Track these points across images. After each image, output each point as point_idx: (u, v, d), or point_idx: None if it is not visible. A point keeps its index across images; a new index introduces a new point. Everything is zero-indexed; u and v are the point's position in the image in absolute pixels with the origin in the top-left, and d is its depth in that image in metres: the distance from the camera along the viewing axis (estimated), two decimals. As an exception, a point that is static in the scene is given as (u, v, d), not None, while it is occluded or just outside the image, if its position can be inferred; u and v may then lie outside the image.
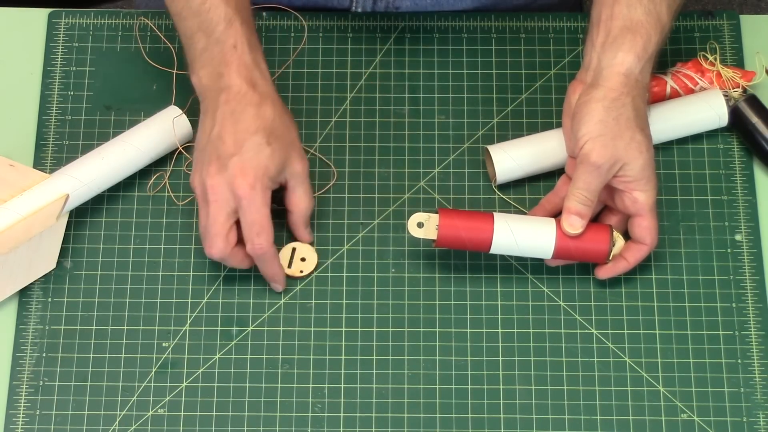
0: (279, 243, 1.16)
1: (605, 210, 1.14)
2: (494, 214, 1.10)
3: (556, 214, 1.12)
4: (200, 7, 1.10)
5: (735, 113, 1.18)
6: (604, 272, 1.12)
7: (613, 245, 1.11)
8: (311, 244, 1.15)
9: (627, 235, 1.12)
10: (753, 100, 1.18)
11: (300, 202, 1.12)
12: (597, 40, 1.09)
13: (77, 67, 1.23)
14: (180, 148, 1.18)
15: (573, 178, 1.09)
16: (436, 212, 1.10)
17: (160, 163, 1.18)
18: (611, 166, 1.07)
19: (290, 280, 1.15)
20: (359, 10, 1.26)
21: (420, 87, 1.22)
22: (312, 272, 1.15)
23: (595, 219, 1.14)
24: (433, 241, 1.10)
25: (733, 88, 1.19)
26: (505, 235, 1.09)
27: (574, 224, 1.09)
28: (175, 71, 1.21)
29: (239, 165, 1.06)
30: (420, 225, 1.10)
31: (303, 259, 1.15)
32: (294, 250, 1.15)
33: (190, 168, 1.15)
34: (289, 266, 1.15)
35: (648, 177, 1.08)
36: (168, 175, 1.18)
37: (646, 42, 1.07)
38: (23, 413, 1.11)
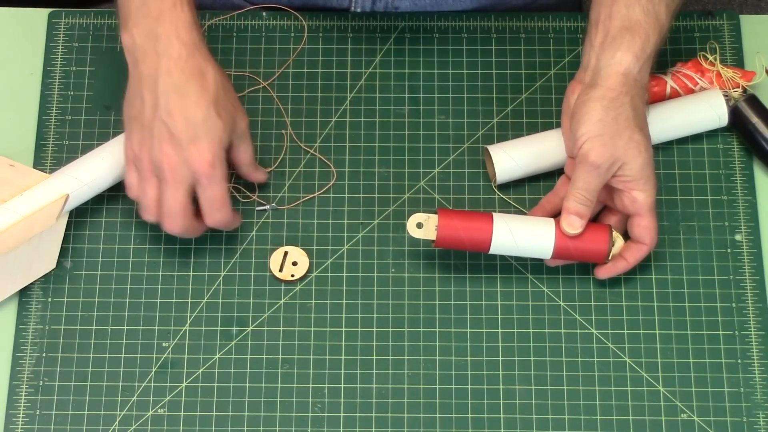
0: (278, 243, 1.16)
1: (605, 210, 1.14)
2: (493, 214, 1.10)
3: (556, 215, 1.12)
4: None
5: (735, 113, 1.18)
6: (603, 272, 1.12)
7: (613, 245, 1.11)
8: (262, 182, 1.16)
9: (626, 236, 1.12)
10: (753, 100, 1.18)
11: (244, 155, 1.12)
12: (596, 41, 1.09)
13: (77, 67, 1.23)
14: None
15: (572, 178, 1.08)
16: (436, 213, 1.10)
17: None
18: (610, 166, 1.07)
19: (290, 281, 1.15)
20: (358, 10, 1.26)
21: (420, 87, 1.22)
22: (304, 276, 1.15)
23: (595, 219, 1.14)
24: (433, 241, 1.10)
25: (733, 88, 1.19)
26: (505, 235, 1.09)
27: (573, 224, 1.09)
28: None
29: (195, 143, 1.06)
30: (419, 225, 1.10)
31: (294, 263, 1.15)
32: (286, 254, 1.15)
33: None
34: (280, 270, 1.15)
35: (647, 176, 1.08)
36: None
37: (645, 42, 1.07)
38: (23, 413, 1.11)
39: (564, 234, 1.09)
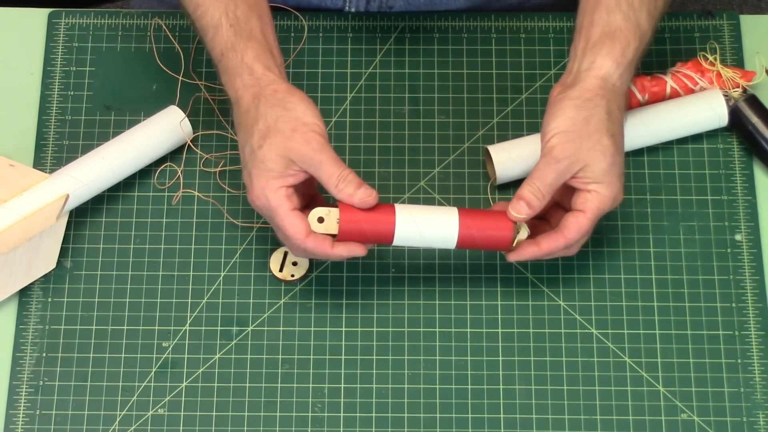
0: (278, 243, 1.16)
1: (555, 207, 1.11)
2: (395, 205, 1.08)
3: (540, 214, 1.10)
4: (194, 13, 1.09)
5: (735, 113, 1.18)
6: (512, 255, 1.09)
7: (518, 232, 1.08)
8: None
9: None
10: (753, 100, 1.18)
11: (322, 182, 1.06)
12: (578, 47, 1.09)
13: (77, 67, 1.23)
14: (189, 143, 1.18)
15: (533, 169, 1.07)
16: (337, 206, 1.07)
17: (160, 162, 1.18)
18: (571, 164, 1.05)
19: (290, 281, 1.15)
20: (352, 9, 1.26)
21: (420, 87, 1.22)
22: (304, 276, 1.15)
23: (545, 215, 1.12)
24: (335, 236, 1.07)
25: (733, 88, 1.19)
26: (408, 225, 1.06)
27: (519, 210, 1.06)
28: (180, 75, 1.22)
29: (247, 179, 1.06)
30: (320, 220, 1.06)
31: (294, 263, 1.15)
32: (286, 254, 1.15)
33: (206, 165, 1.18)
34: (280, 270, 1.15)
35: (608, 183, 1.05)
36: (181, 171, 1.18)
37: (625, 47, 1.07)
38: (23, 413, 1.11)
39: (510, 217, 1.07)
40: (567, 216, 1.07)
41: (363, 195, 1.05)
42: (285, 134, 1.04)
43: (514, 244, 1.08)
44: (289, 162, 1.04)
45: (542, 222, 1.11)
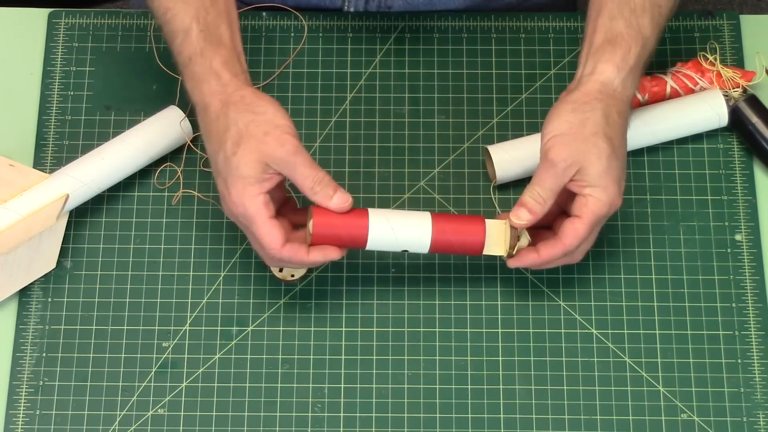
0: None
1: (561, 215, 1.10)
2: (369, 210, 1.07)
3: (544, 222, 1.10)
4: (165, 16, 1.09)
5: (735, 113, 1.18)
6: (512, 261, 1.09)
7: (518, 239, 1.08)
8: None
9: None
10: (753, 100, 1.18)
11: (299, 187, 1.05)
12: (582, 54, 1.09)
13: (77, 67, 1.23)
14: (188, 143, 1.18)
15: (534, 173, 1.07)
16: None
17: (160, 162, 1.18)
18: (568, 167, 1.04)
19: (290, 281, 1.15)
20: (351, 9, 1.26)
21: (420, 87, 1.22)
22: (304, 276, 1.15)
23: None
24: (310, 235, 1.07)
25: (733, 88, 1.19)
26: (382, 228, 1.06)
27: (520, 216, 1.06)
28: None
29: (222, 187, 1.05)
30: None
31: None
32: None
33: (206, 165, 1.18)
34: (280, 270, 1.15)
35: (605, 186, 1.05)
36: (180, 171, 1.18)
37: (626, 53, 1.07)
38: (23, 413, 1.11)
39: (512, 224, 1.07)
40: (564, 222, 1.07)
41: (339, 201, 1.05)
42: (258, 138, 1.03)
43: (515, 251, 1.08)
44: (265, 166, 1.03)
45: (548, 231, 1.11)
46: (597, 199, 1.05)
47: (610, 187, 1.05)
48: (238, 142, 1.03)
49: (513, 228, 1.07)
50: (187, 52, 1.07)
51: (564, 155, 1.04)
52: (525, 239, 1.08)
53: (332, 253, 1.06)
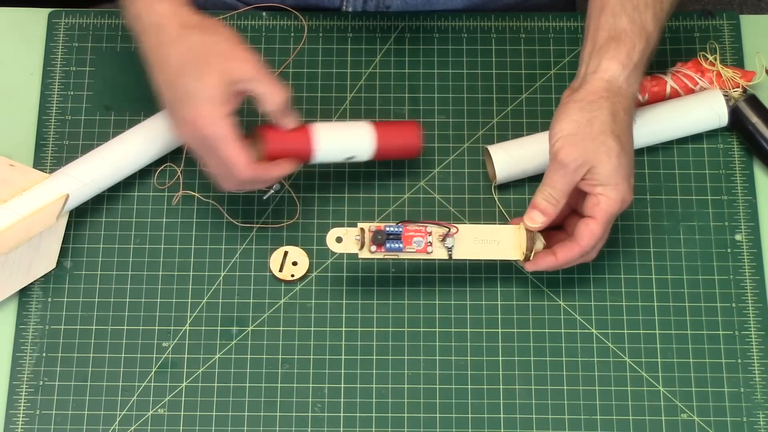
0: (278, 243, 1.16)
1: (572, 214, 1.12)
2: (311, 124, 1.11)
3: (556, 223, 1.11)
4: None
5: (735, 113, 1.18)
6: (529, 265, 1.10)
7: (534, 243, 1.09)
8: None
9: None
10: (753, 100, 1.18)
11: (265, 101, 1.07)
12: (585, 51, 1.09)
13: (77, 67, 1.23)
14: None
15: (544, 175, 1.08)
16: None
17: (160, 162, 1.18)
18: (578, 167, 1.05)
19: (290, 281, 1.15)
20: (350, 9, 1.26)
21: (420, 87, 1.22)
22: (304, 276, 1.15)
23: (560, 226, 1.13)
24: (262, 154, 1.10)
25: (734, 88, 1.19)
26: (328, 136, 1.11)
27: (534, 219, 1.08)
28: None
29: (185, 111, 1.05)
30: (339, 240, 1.09)
31: (294, 263, 1.15)
32: (286, 254, 1.15)
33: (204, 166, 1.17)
34: (280, 270, 1.15)
35: (615, 184, 1.05)
36: (180, 171, 1.18)
37: (630, 50, 1.07)
38: (23, 413, 1.11)
39: (527, 227, 1.08)
40: (579, 224, 1.07)
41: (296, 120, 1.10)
42: (225, 56, 1.04)
43: (532, 255, 1.09)
44: (230, 85, 1.04)
45: (560, 231, 1.11)
46: (609, 197, 1.05)
47: (621, 184, 1.06)
48: (204, 62, 1.03)
49: (528, 231, 1.08)
50: None
51: (574, 155, 1.04)
52: (540, 242, 1.09)
53: (287, 166, 1.09)
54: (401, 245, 1.08)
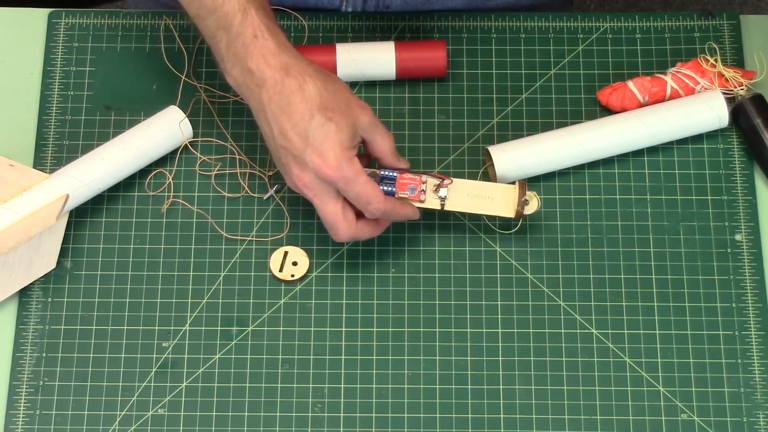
0: (278, 243, 1.16)
1: None
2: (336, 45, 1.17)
3: None
4: (213, 3, 1.09)
5: (738, 111, 1.18)
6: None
7: (527, 203, 1.12)
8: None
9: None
10: (757, 100, 1.18)
11: (381, 147, 1.11)
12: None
13: (77, 67, 1.23)
14: (187, 144, 1.18)
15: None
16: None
17: (160, 162, 1.18)
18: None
19: (290, 281, 1.15)
20: (349, 9, 1.26)
21: (420, 87, 1.22)
22: (304, 276, 1.15)
23: None
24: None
25: (738, 87, 1.19)
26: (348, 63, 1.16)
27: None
28: (183, 75, 1.22)
29: (315, 155, 1.06)
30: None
31: (295, 263, 1.15)
32: (286, 254, 1.15)
33: (203, 167, 1.17)
34: (280, 270, 1.15)
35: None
36: (172, 175, 1.18)
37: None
38: (23, 413, 1.11)
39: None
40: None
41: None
42: (349, 104, 1.08)
43: (522, 214, 1.12)
44: (355, 131, 1.08)
45: None
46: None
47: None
48: (332, 108, 1.07)
49: (521, 190, 1.11)
50: (251, 30, 1.08)
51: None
52: (535, 201, 1.12)
53: (416, 211, 1.13)
54: (394, 189, 1.11)
